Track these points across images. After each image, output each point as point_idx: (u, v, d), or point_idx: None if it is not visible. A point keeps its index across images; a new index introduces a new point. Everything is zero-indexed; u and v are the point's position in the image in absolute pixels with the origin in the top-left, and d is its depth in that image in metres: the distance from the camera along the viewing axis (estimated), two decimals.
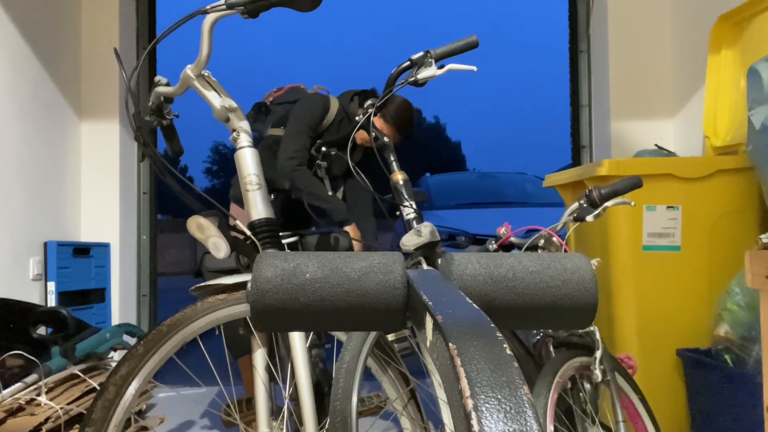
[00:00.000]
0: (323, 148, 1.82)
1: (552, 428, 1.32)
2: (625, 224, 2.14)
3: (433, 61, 1.53)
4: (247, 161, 1.22)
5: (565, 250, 1.57)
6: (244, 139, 1.24)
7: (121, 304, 3.27)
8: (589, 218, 1.50)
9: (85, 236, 3.20)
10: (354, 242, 2.12)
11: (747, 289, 1.86)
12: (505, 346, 0.31)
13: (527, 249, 1.56)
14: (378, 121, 2.36)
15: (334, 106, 2.40)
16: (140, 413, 2.48)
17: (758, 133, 1.88)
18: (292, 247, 1.40)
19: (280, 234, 1.24)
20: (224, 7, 1.16)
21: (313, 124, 2.32)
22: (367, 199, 2.53)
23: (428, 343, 0.36)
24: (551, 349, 1.57)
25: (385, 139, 1.66)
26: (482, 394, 0.27)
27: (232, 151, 1.30)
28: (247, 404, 1.88)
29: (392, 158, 1.66)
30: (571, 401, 1.53)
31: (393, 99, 2.31)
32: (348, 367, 1.22)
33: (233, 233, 1.20)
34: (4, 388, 1.84)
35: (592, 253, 2.36)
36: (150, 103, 1.35)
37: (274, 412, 1.20)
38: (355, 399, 1.18)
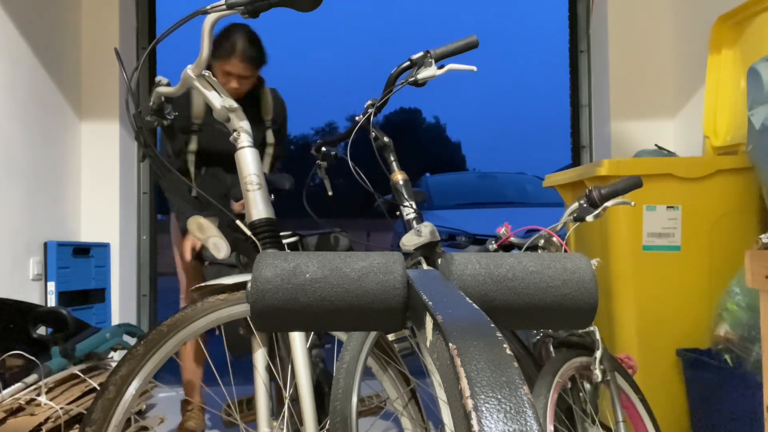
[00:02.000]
0: (323, 148, 1.82)
1: (552, 428, 1.32)
2: (625, 224, 2.14)
3: (433, 61, 1.53)
4: (248, 161, 1.23)
5: (565, 250, 1.57)
6: (245, 139, 1.24)
7: (121, 304, 3.27)
8: (589, 218, 1.50)
9: (85, 236, 3.20)
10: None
11: (747, 289, 1.86)
12: (505, 346, 0.31)
13: (527, 249, 1.56)
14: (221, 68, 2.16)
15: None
16: (140, 413, 2.48)
17: (758, 133, 1.88)
18: (293, 247, 1.40)
19: (281, 234, 1.24)
20: (224, 7, 1.16)
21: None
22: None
23: (428, 343, 0.36)
24: (551, 349, 1.57)
25: (385, 139, 1.66)
26: (482, 394, 0.27)
27: None
28: (248, 404, 1.88)
29: (392, 158, 1.66)
30: (571, 401, 1.53)
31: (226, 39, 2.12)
32: (348, 367, 1.22)
33: (233, 233, 1.20)
34: (4, 388, 1.84)
35: (592, 253, 2.36)
36: (151, 103, 1.35)
37: (275, 412, 1.20)
38: (355, 399, 1.18)
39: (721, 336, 1.91)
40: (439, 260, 0.57)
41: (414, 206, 1.59)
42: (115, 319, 3.22)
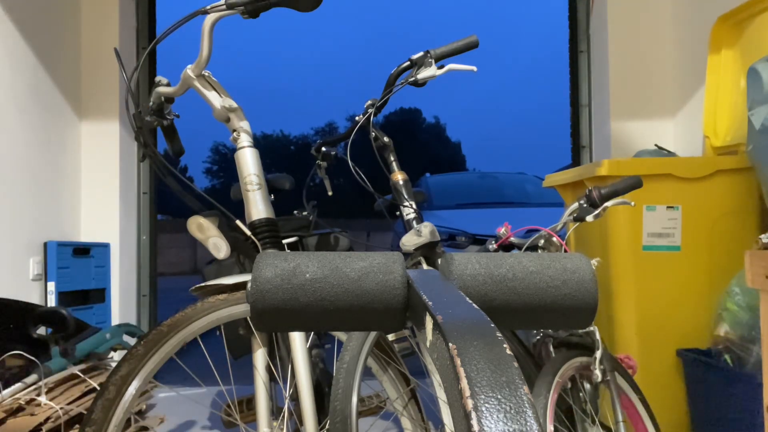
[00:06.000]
0: (323, 148, 1.82)
1: (552, 428, 1.32)
2: (625, 224, 2.14)
3: (433, 61, 1.53)
4: (248, 161, 1.23)
5: (565, 250, 1.57)
6: (245, 139, 1.24)
7: (121, 304, 3.27)
8: (589, 218, 1.50)
9: (85, 236, 3.20)
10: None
11: (747, 289, 1.86)
12: (505, 346, 0.31)
13: (527, 249, 1.56)
14: None
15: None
16: (140, 413, 2.48)
17: (758, 133, 1.88)
18: (293, 247, 1.40)
19: (281, 234, 1.24)
20: (224, 7, 1.16)
21: None
22: None
23: (428, 343, 0.36)
24: (551, 349, 1.57)
25: (385, 139, 1.66)
26: (482, 394, 0.27)
27: (232, 151, 1.30)
28: (247, 404, 1.88)
29: (392, 158, 1.66)
30: (571, 401, 1.53)
31: None
32: (348, 367, 1.22)
33: (233, 233, 1.20)
34: (4, 388, 1.84)
35: (592, 253, 2.36)
36: (150, 103, 1.35)
37: (275, 412, 1.20)
38: (355, 399, 1.18)
39: (721, 336, 1.91)
40: (439, 260, 0.57)
41: (414, 206, 1.59)
42: (115, 319, 3.22)
